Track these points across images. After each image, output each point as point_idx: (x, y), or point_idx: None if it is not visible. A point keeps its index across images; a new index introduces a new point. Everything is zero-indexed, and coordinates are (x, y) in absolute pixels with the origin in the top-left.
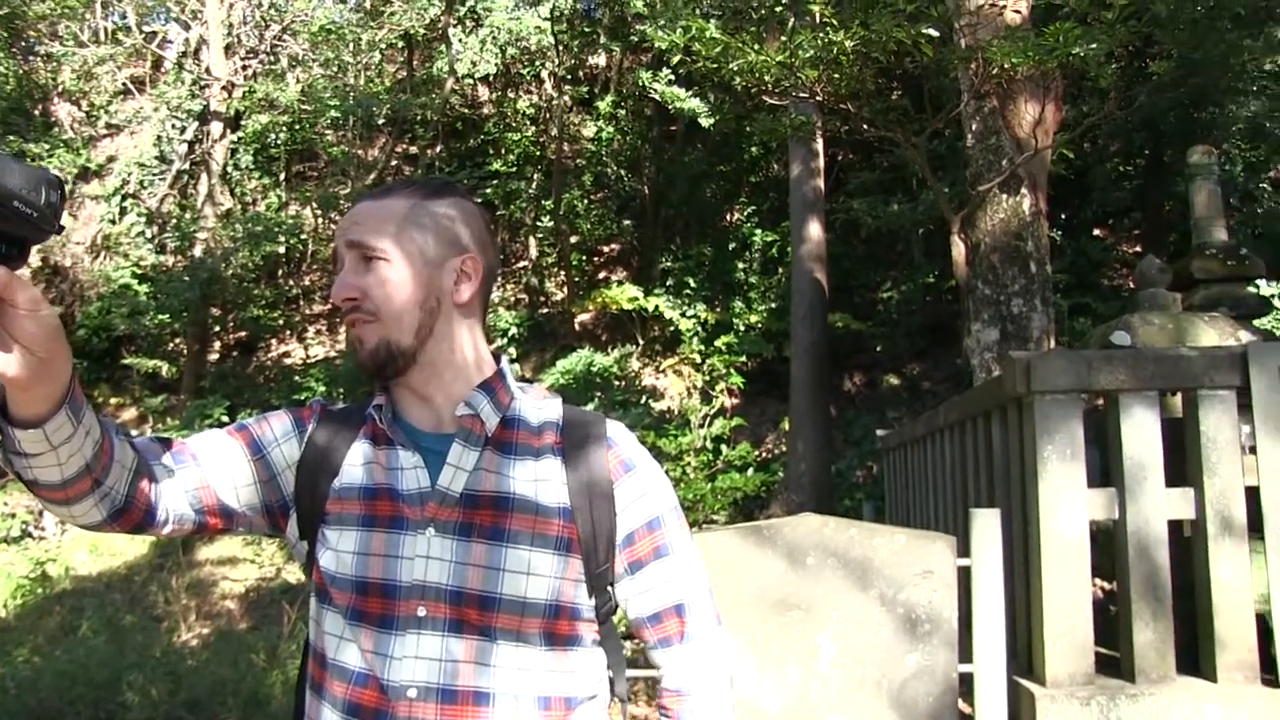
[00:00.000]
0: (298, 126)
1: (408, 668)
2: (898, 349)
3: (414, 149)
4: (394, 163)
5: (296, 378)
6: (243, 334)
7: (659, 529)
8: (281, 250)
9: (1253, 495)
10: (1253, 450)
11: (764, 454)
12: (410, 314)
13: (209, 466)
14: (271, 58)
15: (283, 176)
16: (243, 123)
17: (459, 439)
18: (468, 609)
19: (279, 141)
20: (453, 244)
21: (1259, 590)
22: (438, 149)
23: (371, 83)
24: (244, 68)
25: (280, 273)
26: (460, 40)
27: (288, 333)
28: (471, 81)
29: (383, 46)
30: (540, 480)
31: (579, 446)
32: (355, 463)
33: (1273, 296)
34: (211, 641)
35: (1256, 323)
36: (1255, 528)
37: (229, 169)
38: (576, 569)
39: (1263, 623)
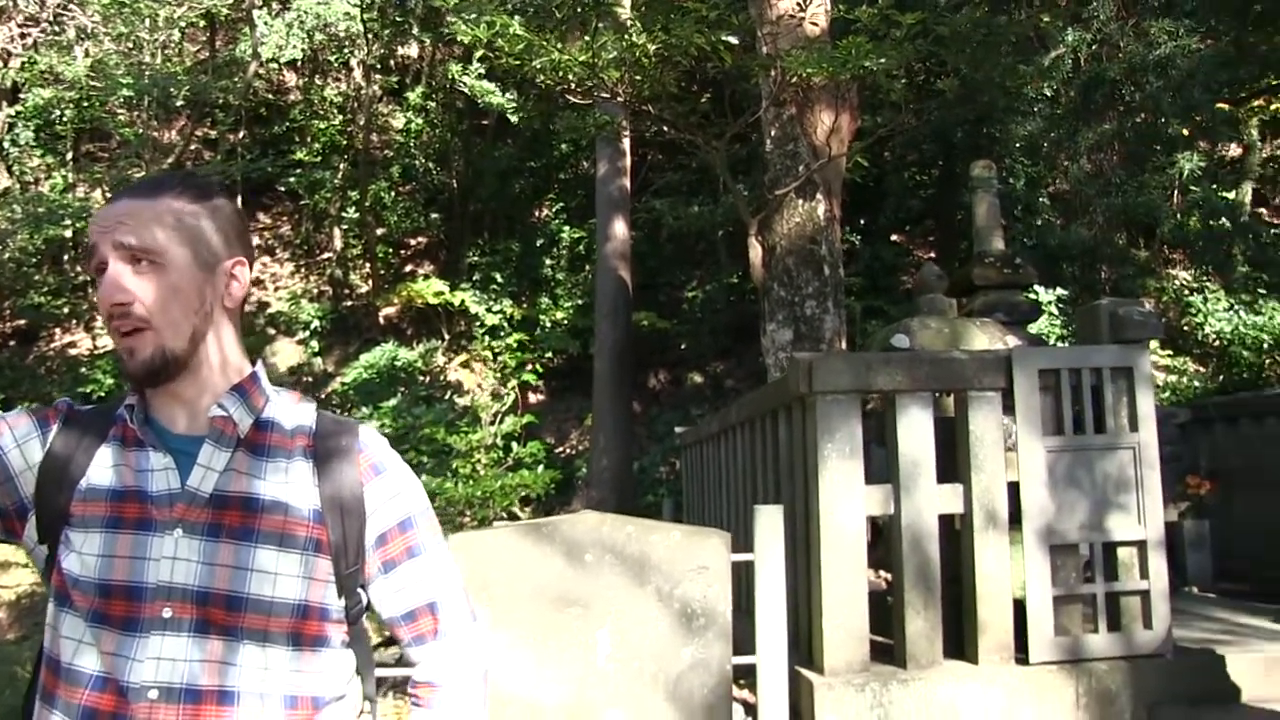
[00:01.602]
0: (86, 104)
1: (149, 669)
2: (702, 347)
3: (214, 133)
4: (193, 147)
5: (83, 369)
6: (21, 322)
7: (411, 529)
8: (68, 234)
9: (1014, 490)
10: (1014, 448)
11: (568, 450)
12: (185, 320)
13: None
14: (56, 28)
15: (70, 156)
16: (22, 96)
17: (210, 440)
18: (214, 609)
19: (65, 118)
20: (224, 247)
21: (1018, 578)
22: (240, 134)
23: (169, 62)
24: (22, 36)
25: (66, 258)
26: (265, 22)
27: (73, 322)
28: (277, 66)
29: (182, 25)
30: (291, 482)
31: (330, 450)
32: (103, 464)
33: (1049, 303)
34: None
35: (1031, 327)
36: (1015, 520)
37: (6, 145)
38: (325, 570)
39: (1020, 607)
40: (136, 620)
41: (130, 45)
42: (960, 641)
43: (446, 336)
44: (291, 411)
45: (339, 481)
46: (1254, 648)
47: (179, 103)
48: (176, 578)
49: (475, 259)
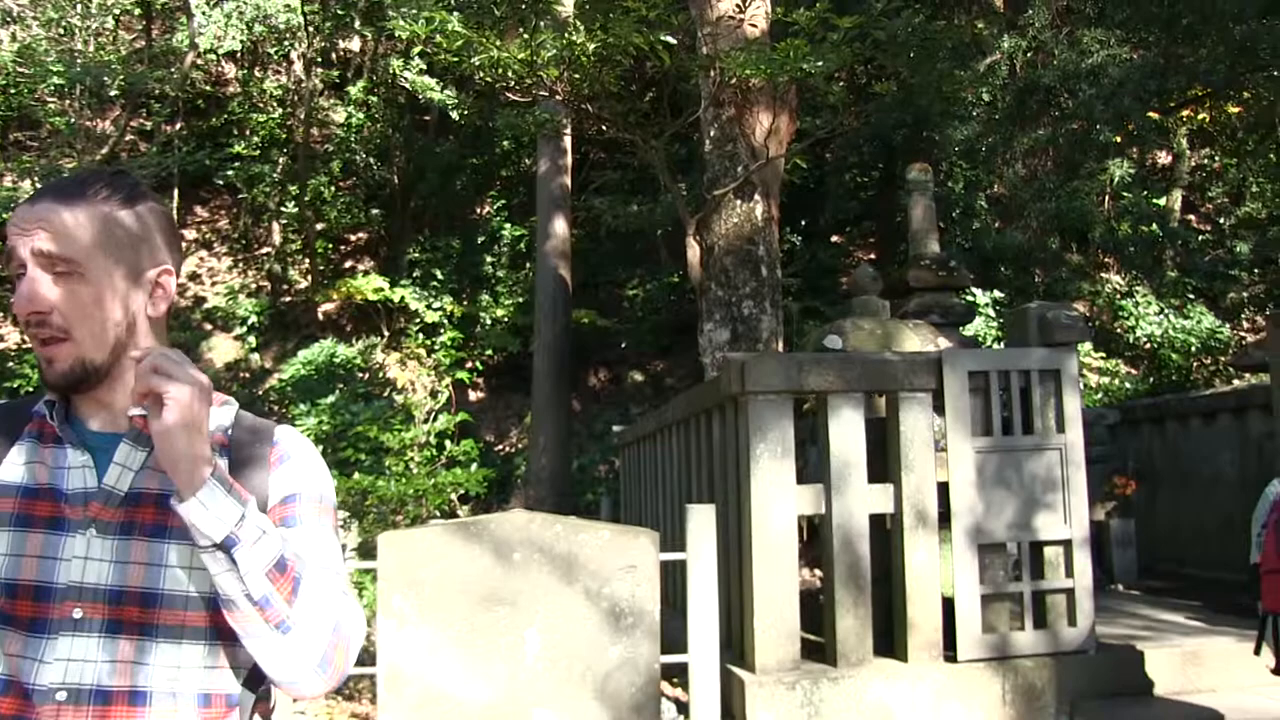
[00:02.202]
0: (14, 91)
1: (57, 670)
2: (642, 346)
3: (150, 124)
4: (128, 138)
5: (10, 364)
6: None
7: (293, 503)
8: None
9: (943, 490)
10: (944, 449)
11: (508, 448)
12: (107, 331)
13: None
14: None
15: None
16: None
17: (128, 439)
18: (128, 608)
19: None
20: (149, 256)
21: (947, 577)
22: (177, 126)
23: (103, 50)
24: None
25: None
26: (203, 12)
27: (0, 315)
28: (215, 57)
29: (117, 12)
30: None
31: (246, 447)
32: (17, 461)
33: (984, 306)
34: None
35: (967, 330)
36: (945, 519)
37: None
38: None
39: (949, 605)
40: (44, 621)
41: (61, 31)
42: (890, 639)
43: (386, 333)
44: (211, 411)
45: (253, 478)
46: (1172, 643)
47: (113, 92)
48: (88, 578)
49: (416, 255)
